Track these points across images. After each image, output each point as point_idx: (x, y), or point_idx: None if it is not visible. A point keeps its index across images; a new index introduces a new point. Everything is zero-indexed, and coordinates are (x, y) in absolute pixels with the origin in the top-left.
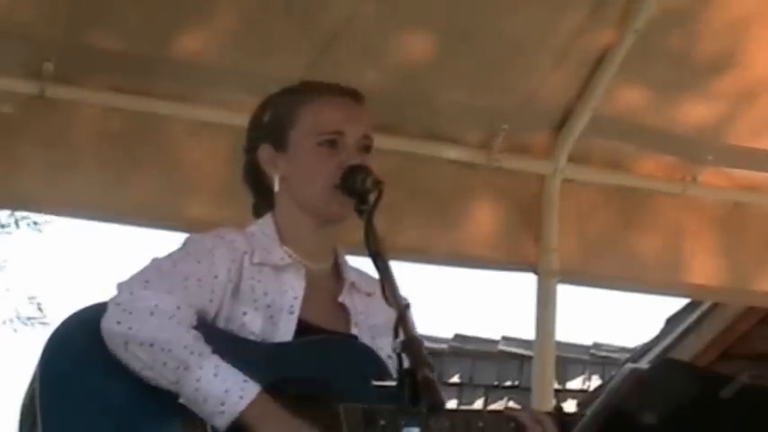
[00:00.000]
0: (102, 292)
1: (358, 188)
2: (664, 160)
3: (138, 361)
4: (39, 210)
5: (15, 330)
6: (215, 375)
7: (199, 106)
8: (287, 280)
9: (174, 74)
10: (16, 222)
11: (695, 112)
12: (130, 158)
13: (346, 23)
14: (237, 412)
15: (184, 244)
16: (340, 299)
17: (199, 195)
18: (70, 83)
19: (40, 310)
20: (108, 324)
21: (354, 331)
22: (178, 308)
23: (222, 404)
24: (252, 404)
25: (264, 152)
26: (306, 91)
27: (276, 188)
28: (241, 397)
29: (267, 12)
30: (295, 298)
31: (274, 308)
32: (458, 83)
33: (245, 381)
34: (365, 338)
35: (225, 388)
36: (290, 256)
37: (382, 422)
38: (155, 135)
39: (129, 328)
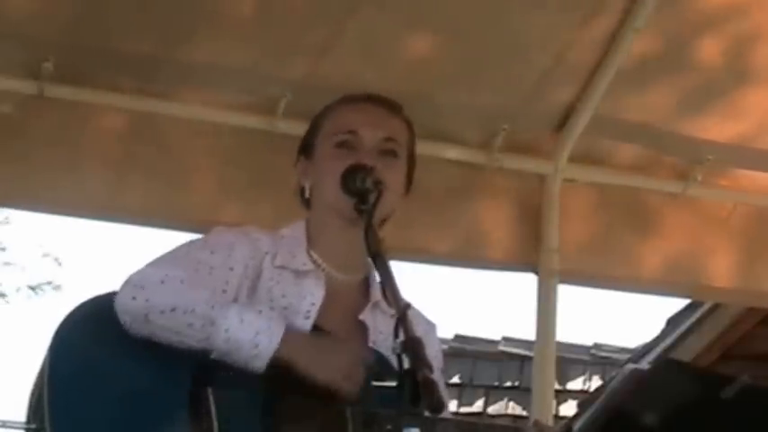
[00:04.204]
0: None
1: (358, 188)
2: (664, 160)
3: (163, 329)
4: (38, 209)
5: (29, 297)
6: (241, 322)
7: (199, 106)
8: (306, 286)
9: (175, 74)
10: None
11: (696, 111)
12: (130, 158)
13: (346, 23)
14: (272, 350)
15: (207, 235)
16: (360, 316)
17: (198, 195)
18: (69, 83)
19: (58, 264)
20: (123, 302)
21: None
22: (188, 278)
23: (256, 347)
24: (283, 340)
25: (300, 165)
26: (336, 102)
27: (307, 195)
28: (271, 335)
29: (267, 12)
30: (312, 304)
31: (290, 311)
32: (458, 83)
33: (269, 319)
34: None
35: (255, 330)
36: (314, 262)
37: (389, 427)
38: (155, 135)
39: (147, 300)
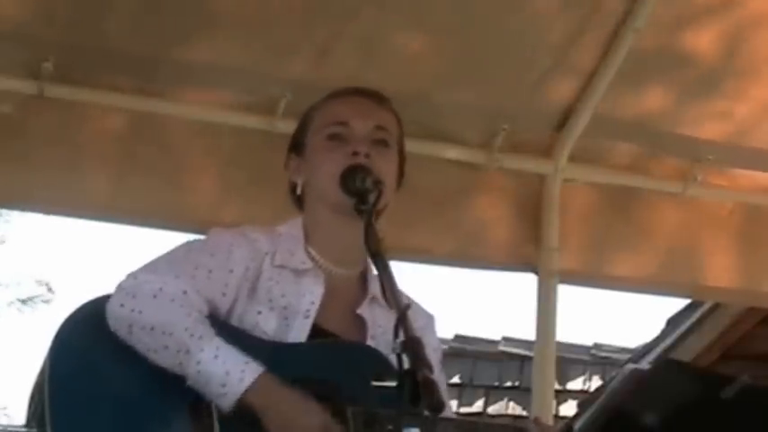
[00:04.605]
0: (111, 270)
1: (358, 188)
2: (664, 160)
3: (142, 344)
4: (38, 210)
5: (20, 311)
6: (215, 357)
7: (199, 106)
8: (306, 284)
9: (175, 74)
10: None
11: (696, 111)
12: (130, 158)
13: (346, 23)
14: (239, 394)
15: (205, 236)
16: (359, 311)
17: (198, 195)
18: (69, 83)
19: (50, 291)
20: (112, 307)
21: (371, 344)
22: (184, 292)
23: (224, 386)
24: (253, 385)
25: (291, 163)
26: (324, 98)
27: (299, 191)
28: (242, 378)
29: (267, 12)
30: (312, 303)
31: (290, 310)
32: (458, 83)
33: (246, 362)
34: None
35: (225, 370)
36: (312, 259)
37: (389, 427)
38: (155, 135)
39: (132, 311)
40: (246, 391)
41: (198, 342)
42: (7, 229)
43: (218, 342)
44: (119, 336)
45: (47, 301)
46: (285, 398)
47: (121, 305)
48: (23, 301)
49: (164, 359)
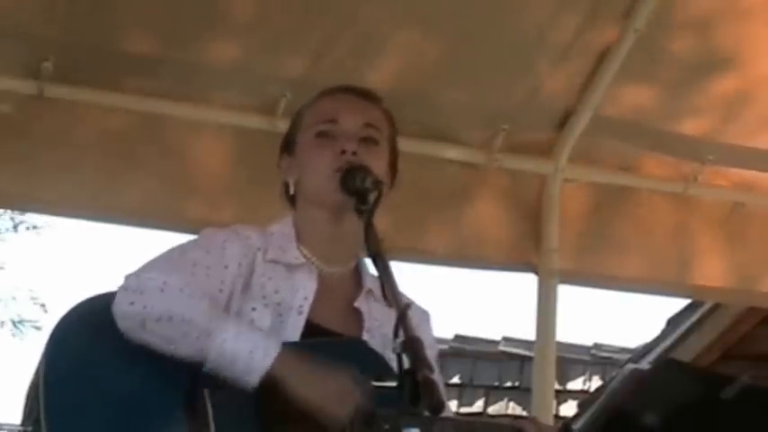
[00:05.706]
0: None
1: (358, 188)
2: (664, 160)
3: (158, 337)
4: (37, 210)
5: (13, 335)
6: (237, 336)
7: (199, 106)
8: (299, 280)
9: (175, 74)
10: (15, 227)
11: (696, 112)
12: (130, 158)
13: (346, 23)
14: (265, 369)
15: (198, 236)
16: (356, 304)
17: (199, 195)
18: (69, 82)
19: (44, 311)
20: (120, 307)
21: (366, 337)
22: (187, 284)
23: (250, 363)
24: (277, 359)
25: (283, 163)
26: (314, 97)
27: (291, 191)
28: (266, 353)
29: (267, 12)
30: (305, 298)
31: (284, 306)
32: (458, 83)
33: (266, 337)
34: (376, 345)
35: (250, 347)
36: (304, 257)
37: (386, 426)
38: (155, 135)
39: (144, 307)
40: (271, 365)
41: (218, 324)
42: (2, 247)
43: (236, 321)
44: (130, 335)
45: (38, 328)
46: (308, 366)
47: (131, 303)
48: (15, 324)
49: (184, 348)
